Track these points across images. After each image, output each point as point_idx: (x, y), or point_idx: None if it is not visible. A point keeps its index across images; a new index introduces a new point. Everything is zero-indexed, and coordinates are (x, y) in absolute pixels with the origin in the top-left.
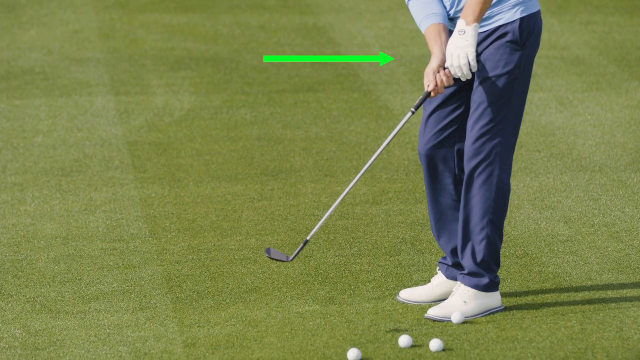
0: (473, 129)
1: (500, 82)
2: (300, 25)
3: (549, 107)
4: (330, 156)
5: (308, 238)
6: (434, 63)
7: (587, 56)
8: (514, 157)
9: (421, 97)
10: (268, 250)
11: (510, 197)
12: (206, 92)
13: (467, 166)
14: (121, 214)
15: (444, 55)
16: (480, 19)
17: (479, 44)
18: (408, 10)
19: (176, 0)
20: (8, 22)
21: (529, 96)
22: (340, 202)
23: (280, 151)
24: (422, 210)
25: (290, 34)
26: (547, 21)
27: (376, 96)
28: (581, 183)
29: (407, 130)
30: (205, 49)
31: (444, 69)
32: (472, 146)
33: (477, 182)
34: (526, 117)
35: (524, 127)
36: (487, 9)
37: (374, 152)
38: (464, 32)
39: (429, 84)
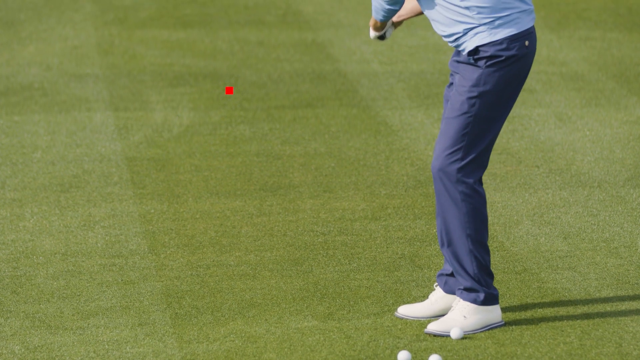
0: (438, 145)
1: (461, 98)
2: (299, 41)
3: (548, 122)
4: (329, 172)
5: None
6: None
7: (586, 72)
8: (513, 172)
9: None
10: None
11: (508, 213)
12: (205, 108)
13: (435, 183)
14: (120, 230)
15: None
16: (374, 28)
17: (456, 59)
18: (406, 28)
19: (175, 16)
20: (7, 38)
21: (527, 112)
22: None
23: (279, 167)
24: (421, 226)
25: (289, 49)
26: (545, 37)
27: (375, 112)
28: (580, 199)
29: (407, 146)
30: (204, 64)
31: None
32: (436, 162)
33: (446, 200)
34: (525, 133)
35: (522, 143)
36: (378, 26)
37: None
38: (369, 30)
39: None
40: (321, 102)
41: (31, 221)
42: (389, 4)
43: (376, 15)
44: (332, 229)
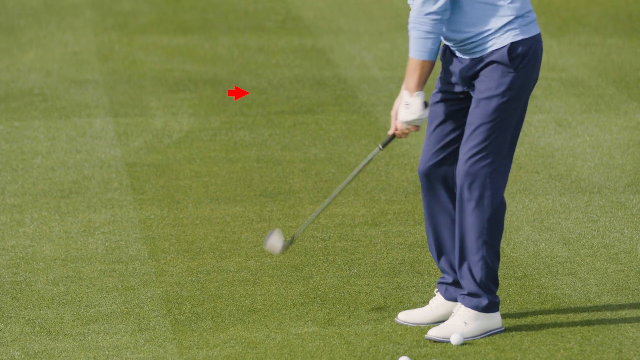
0: (464, 150)
1: (492, 104)
2: (299, 47)
3: (548, 128)
4: (329, 177)
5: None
6: (396, 104)
7: (586, 78)
8: (514, 178)
9: (387, 137)
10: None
11: (509, 219)
12: (205, 113)
13: (459, 187)
14: (120, 236)
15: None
16: (421, 85)
17: (473, 66)
18: (407, 33)
19: (175, 22)
20: (7, 43)
21: (527, 118)
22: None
23: (279, 173)
24: (421, 231)
25: (289, 55)
26: (546, 43)
27: (375, 118)
28: (580, 204)
29: (407, 152)
30: (204, 70)
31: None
32: (463, 167)
33: (469, 204)
34: (525, 139)
35: (522, 149)
36: (426, 74)
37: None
38: (409, 105)
39: (391, 127)
40: (321, 107)
41: (31, 227)
42: (436, 13)
43: (422, 50)
44: (332, 234)
